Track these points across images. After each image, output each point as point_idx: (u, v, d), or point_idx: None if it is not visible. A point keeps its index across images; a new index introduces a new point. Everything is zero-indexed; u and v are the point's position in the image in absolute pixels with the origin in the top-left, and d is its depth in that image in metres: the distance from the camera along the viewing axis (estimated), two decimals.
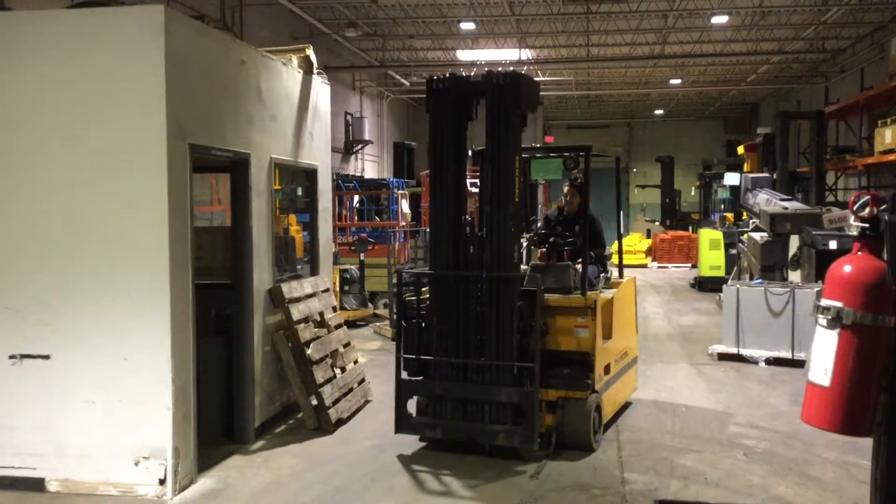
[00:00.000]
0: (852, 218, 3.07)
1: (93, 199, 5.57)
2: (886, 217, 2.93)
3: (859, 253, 2.99)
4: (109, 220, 5.55)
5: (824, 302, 2.94)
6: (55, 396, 5.60)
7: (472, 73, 6.69)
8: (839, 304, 2.90)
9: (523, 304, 6.27)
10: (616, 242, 8.79)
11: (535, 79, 7.60)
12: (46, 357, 5.60)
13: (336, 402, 7.20)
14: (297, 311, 7.08)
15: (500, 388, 6.19)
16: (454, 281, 6.41)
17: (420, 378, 6.56)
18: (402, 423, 6.52)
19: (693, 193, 30.30)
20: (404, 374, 6.59)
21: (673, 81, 27.30)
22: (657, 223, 29.32)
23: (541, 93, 6.73)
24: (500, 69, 6.54)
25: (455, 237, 6.45)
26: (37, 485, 5.58)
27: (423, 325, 6.55)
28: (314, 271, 8.05)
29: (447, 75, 6.49)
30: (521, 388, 6.16)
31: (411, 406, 6.70)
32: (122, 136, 5.52)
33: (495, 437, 6.20)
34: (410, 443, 6.60)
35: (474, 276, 6.35)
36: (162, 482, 5.48)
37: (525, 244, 7.89)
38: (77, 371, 5.57)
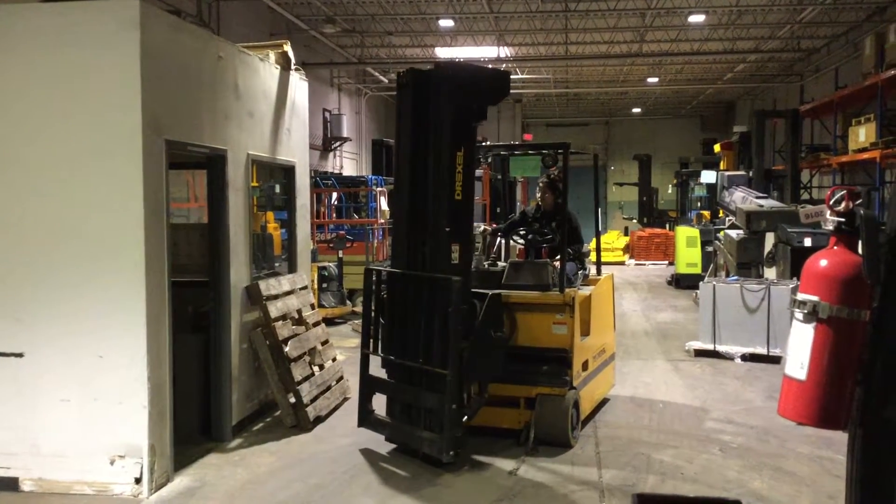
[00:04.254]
0: (828, 212, 3.09)
1: (67, 195, 5.50)
2: (862, 212, 2.95)
3: (835, 247, 3.02)
4: (84, 217, 5.49)
5: (801, 296, 2.95)
6: (28, 395, 5.53)
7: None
8: (815, 298, 2.91)
9: (470, 307, 6.05)
10: (594, 240, 8.82)
11: (504, 71, 7.42)
12: (20, 355, 5.53)
13: (314, 399, 7.17)
14: (274, 309, 7.03)
15: (428, 392, 6.03)
16: (402, 280, 6.28)
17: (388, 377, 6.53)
18: (364, 419, 6.54)
19: (670, 191, 30.46)
20: (379, 372, 6.57)
21: (650, 80, 27.42)
22: (634, 221, 29.48)
23: (511, 87, 6.47)
24: (448, 60, 6.35)
25: (409, 235, 6.26)
26: (10, 484, 5.51)
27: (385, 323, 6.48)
28: (292, 269, 8.02)
29: (409, 69, 6.25)
30: (439, 395, 5.89)
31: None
32: (96, 132, 5.45)
33: (422, 443, 6.05)
34: None
35: (422, 277, 6.14)
36: (138, 481, 5.43)
37: (500, 240, 7.94)
38: (51, 369, 5.50)
